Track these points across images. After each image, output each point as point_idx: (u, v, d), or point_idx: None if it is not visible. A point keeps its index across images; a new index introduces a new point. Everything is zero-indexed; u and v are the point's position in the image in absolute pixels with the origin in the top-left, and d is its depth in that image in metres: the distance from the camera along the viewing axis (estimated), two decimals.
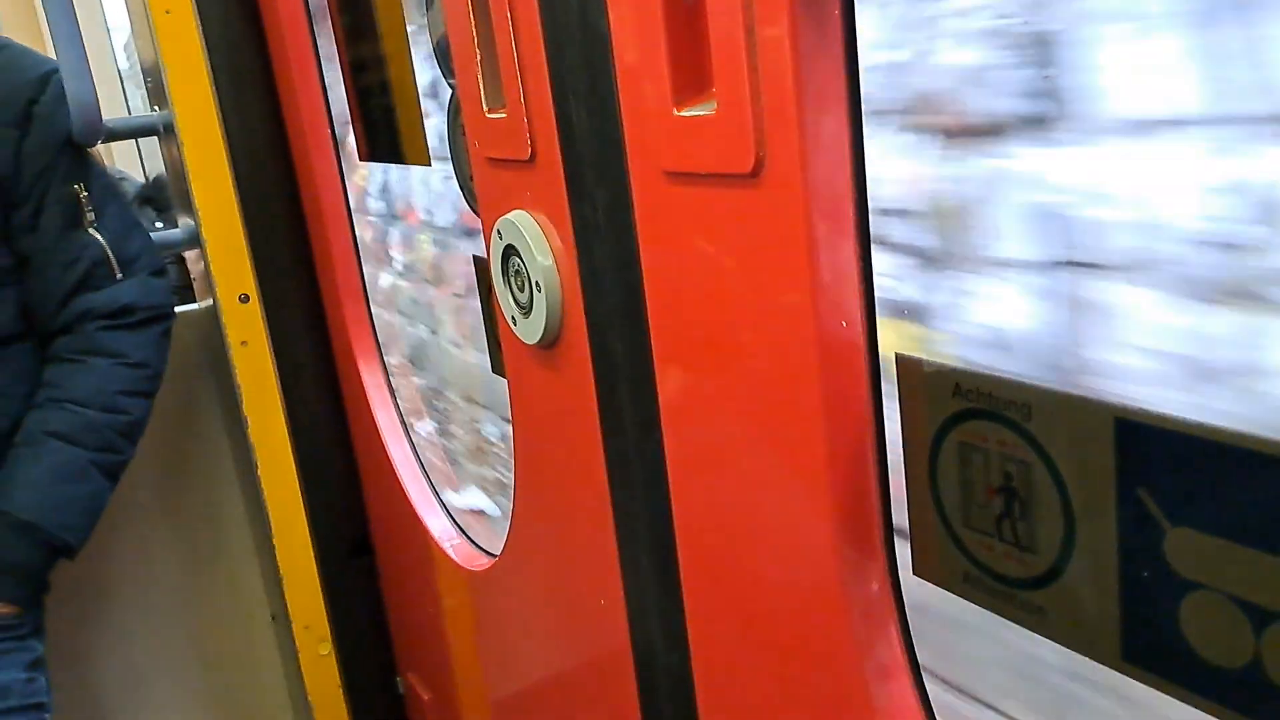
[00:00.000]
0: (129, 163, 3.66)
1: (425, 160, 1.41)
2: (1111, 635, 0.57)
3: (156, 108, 1.98)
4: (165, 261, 1.80)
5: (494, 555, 1.39)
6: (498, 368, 1.25)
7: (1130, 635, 0.56)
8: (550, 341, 1.03)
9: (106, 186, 1.70)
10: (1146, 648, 0.55)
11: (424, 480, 1.62)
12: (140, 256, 1.67)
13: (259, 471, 1.79)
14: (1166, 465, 0.52)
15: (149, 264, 1.69)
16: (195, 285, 2.21)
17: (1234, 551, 0.50)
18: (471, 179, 1.16)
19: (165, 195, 2.66)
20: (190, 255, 2.36)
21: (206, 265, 1.78)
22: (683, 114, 0.75)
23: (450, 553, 1.49)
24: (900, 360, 0.68)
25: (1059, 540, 0.59)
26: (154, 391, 1.66)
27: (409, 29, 1.38)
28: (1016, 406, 0.60)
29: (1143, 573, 0.54)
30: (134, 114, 2.81)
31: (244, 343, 1.77)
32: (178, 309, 1.78)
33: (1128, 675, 0.56)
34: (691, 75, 0.74)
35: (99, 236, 1.62)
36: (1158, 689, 0.55)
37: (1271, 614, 0.49)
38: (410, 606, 1.79)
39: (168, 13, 1.72)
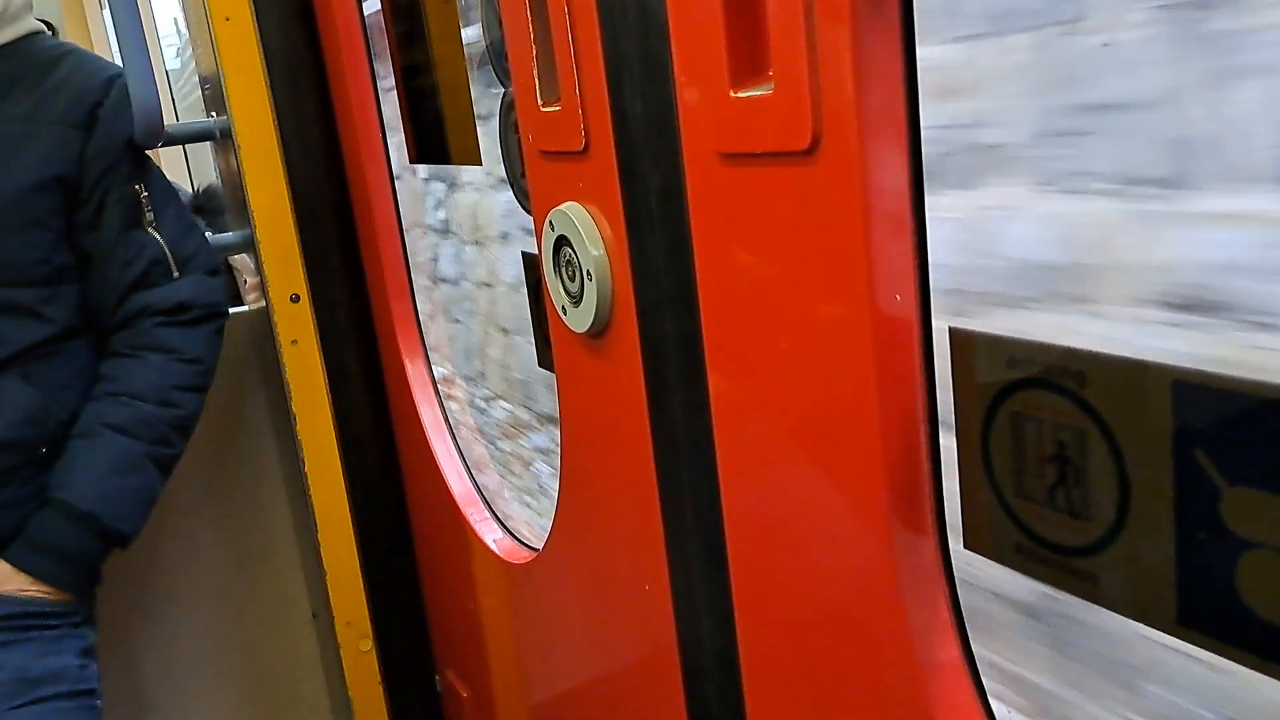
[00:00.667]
0: (177, 174, 3.76)
1: (477, 160, 1.44)
2: (1167, 599, 0.57)
3: (214, 114, 2.03)
4: (219, 262, 1.84)
5: (535, 549, 1.40)
6: (545, 361, 1.27)
7: (1186, 598, 0.56)
8: (600, 330, 1.05)
9: (165, 188, 1.75)
10: (1203, 610, 0.55)
11: (466, 476, 1.64)
12: (196, 256, 1.71)
13: (305, 468, 1.82)
14: (1223, 425, 0.53)
15: (205, 263, 1.73)
16: (242, 293, 2.27)
17: None
18: (523, 176, 1.19)
19: (215, 204, 2.72)
20: (237, 263, 2.42)
21: (259, 266, 1.82)
22: (740, 95, 0.77)
23: (493, 547, 1.51)
24: (954, 333, 0.69)
25: (1114, 506, 0.59)
26: (206, 387, 1.69)
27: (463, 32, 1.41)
28: (1071, 374, 0.60)
29: (1199, 534, 0.55)
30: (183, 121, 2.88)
31: (294, 341, 1.81)
32: (231, 310, 1.82)
33: (1183, 639, 0.56)
34: (749, 57, 0.76)
35: (157, 236, 1.67)
36: (1214, 651, 0.55)
37: None
38: (450, 604, 1.81)
39: (228, 20, 1.78)
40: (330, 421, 1.81)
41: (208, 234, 1.86)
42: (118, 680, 1.97)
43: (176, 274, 1.67)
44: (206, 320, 1.71)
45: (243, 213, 1.87)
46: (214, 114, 2.03)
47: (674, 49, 0.85)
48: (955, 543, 0.73)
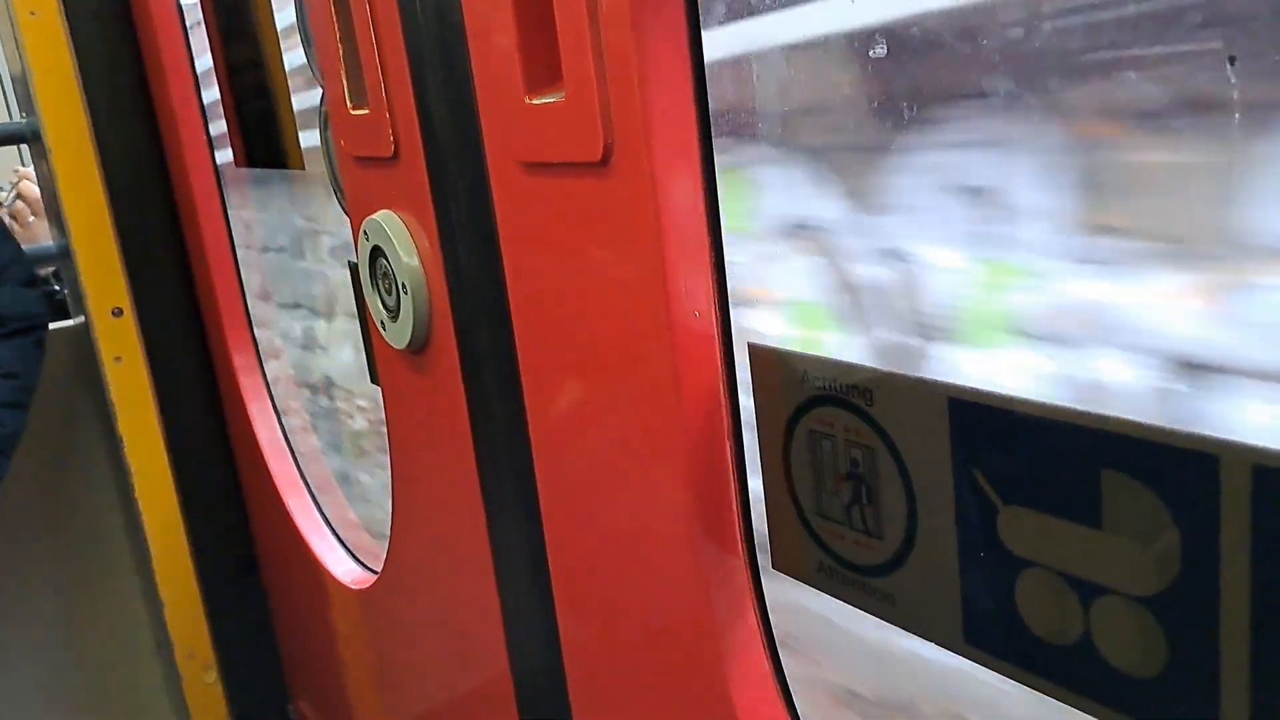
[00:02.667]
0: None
1: (300, 164, 1.37)
2: (953, 618, 0.56)
3: (25, 115, 1.89)
4: (37, 272, 1.72)
5: (376, 572, 1.34)
6: (375, 376, 1.21)
7: (971, 617, 0.55)
8: (419, 345, 1.00)
9: None
10: (986, 629, 0.55)
11: (307, 496, 1.56)
12: (10, 267, 1.59)
13: (135, 493, 1.71)
14: (996, 444, 0.52)
15: (19, 274, 1.61)
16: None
17: (1059, 527, 0.49)
18: None
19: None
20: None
21: (77, 278, 1.70)
22: (534, 102, 0.73)
23: (334, 570, 1.44)
24: (753, 349, 0.67)
25: (903, 525, 0.58)
26: (28, 404, 1.58)
27: (280, 29, 1.34)
28: (859, 391, 0.59)
29: (979, 553, 0.54)
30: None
31: (118, 358, 1.70)
32: (52, 325, 1.70)
33: (970, 659, 0.56)
34: (542, 62, 0.72)
35: None
36: (998, 671, 0.55)
37: (1098, 588, 0.49)
38: (299, 630, 1.73)
39: (33, 14, 1.65)
40: (161, 442, 1.70)
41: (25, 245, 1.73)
42: None
43: None
44: (24, 333, 1.59)
45: (59, 221, 1.74)
46: (25, 115, 1.89)
47: (471, 53, 0.80)
48: (765, 562, 0.72)
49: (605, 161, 0.68)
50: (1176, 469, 0.44)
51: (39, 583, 1.94)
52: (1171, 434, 0.44)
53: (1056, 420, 0.49)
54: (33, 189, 2.12)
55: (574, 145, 0.70)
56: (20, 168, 2.32)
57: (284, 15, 1.34)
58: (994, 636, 0.54)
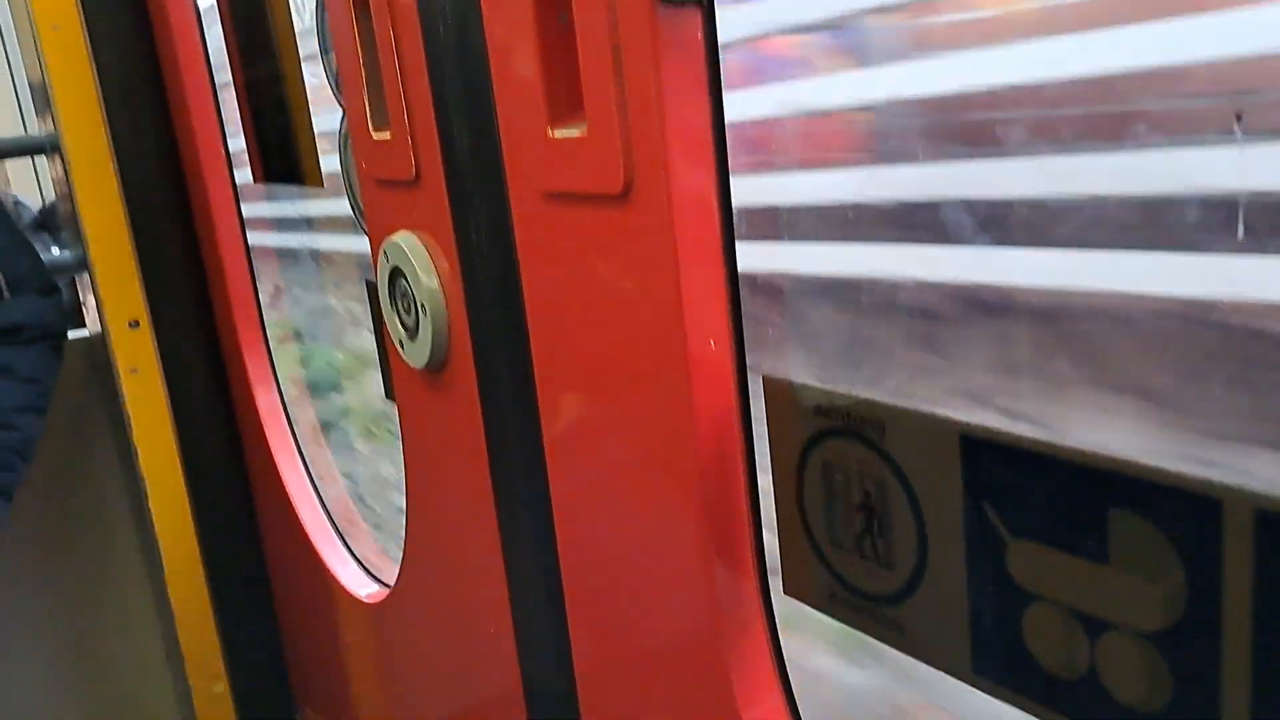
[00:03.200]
0: (29, 188, 3.54)
1: (318, 182, 1.39)
2: (962, 649, 0.58)
3: (43, 124, 1.91)
4: (55, 281, 1.74)
5: (389, 586, 1.36)
6: (390, 392, 1.23)
7: (979, 648, 0.57)
8: (437, 365, 1.02)
9: None
10: (993, 660, 0.56)
11: (320, 510, 1.58)
12: (29, 276, 1.62)
13: (149, 504, 1.73)
14: (1006, 480, 0.53)
15: (37, 283, 1.63)
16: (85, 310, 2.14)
17: (1066, 563, 0.51)
18: None
19: (59, 220, 2.57)
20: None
21: (95, 289, 1.72)
22: (557, 134, 0.75)
23: (347, 584, 1.45)
24: (767, 381, 0.68)
25: (913, 556, 0.60)
26: (45, 409, 1.60)
27: (301, 48, 1.36)
28: (872, 425, 0.60)
29: (988, 586, 0.55)
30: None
31: (134, 370, 1.72)
32: (70, 335, 1.72)
33: (978, 688, 0.57)
34: (564, 96, 0.74)
35: None
36: (1007, 701, 0.56)
37: (1103, 623, 0.50)
38: (308, 641, 1.74)
39: (55, 28, 1.67)
40: (175, 454, 1.72)
41: (44, 255, 1.75)
42: None
43: (7, 295, 1.58)
44: (41, 340, 1.62)
45: (76, 231, 1.76)
46: (43, 126, 1.92)
47: (494, 81, 0.82)
48: (777, 585, 0.73)
49: (625, 194, 0.70)
50: (1182, 510, 0.45)
51: (51, 591, 1.96)
52: (1177, 477, 0.46)
53: (1066, 460, 0.50)
54: None
55: (594, 178, 0.72)
56: None
57: (306, 40, 1.36)
58: (1001, 668, 0.56)
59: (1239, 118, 0.67)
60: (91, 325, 1.96)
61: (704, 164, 0.67)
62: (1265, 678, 0.43)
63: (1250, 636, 0.43)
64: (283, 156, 1.51)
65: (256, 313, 1.67)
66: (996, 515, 0.54)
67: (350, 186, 1.28)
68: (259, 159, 1.56)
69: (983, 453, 0.54)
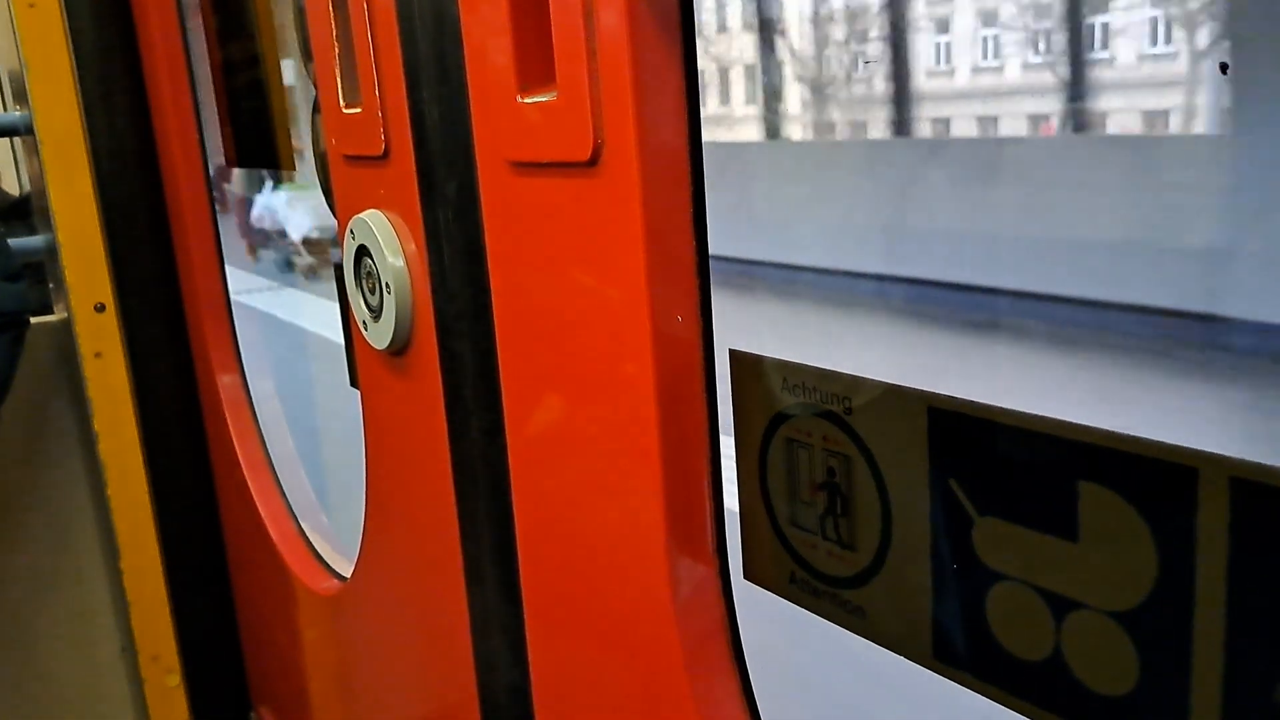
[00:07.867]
0: (9, 181, 3.49)
1: (291, 165, 1.36)
2: (923, 633, 0.55)
3: (18, 107, 1.88)
4: (20, 266, 1.70)
5: (345, 579, 1.32)
6: (354, 379, 1.20)
7: (941, 632, 0.54)
8: (400, 347, 0.99)
9: None
10: (955, 644, 0.54)
11: (280, 500, 1.54)
12: None
13: (108, 490, 1.69)
14: (974, 454, 0.51)
15: (3, 267, 1.59)
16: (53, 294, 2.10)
17: (1034, 540, 0.49)
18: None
19: (33, 206, 2.53)
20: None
21: (61, 272, 1.68)
22: (526, 101, 0.73)
23: (304, 576, 1.42)
24: (734, 356, 0.66)
25: (877, 536, 0.58)
26: (2, 399, 1.55)
27: (279, 29, 1.34)
28: (838, 399, 0.58)
29: (953, 566, 0.53)
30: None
31: (98, 354, 1.68)
32: (34, 319, 1.68)
33: (939, 674, 0.55)
34: (535, 62, 0.72)
35: None
36: (967, 686, 0.54)
37: (1071, 602, 0.48)
38: (264, 635, 1.70)
39: (31, 6, 1.64)
40: (137, 440, 1.68)
41: (13, 239, 1.71)
42: None
43: None
44: (3, 329, 1.57)
45: (46, 214, 1.72)
46: (18, 107, 1.88)
47: (466, 51, 0.80)
48: (737, 574, 0.71)
49: (594, 161, 0.68)
50: (1155, 481, 0.44)
51: (4, 582, 1.91)
52: (1151, 446, 0.44)
53: (1036, 431, 0.48)
54: None
55: (564, 144, 0.70)
56: None
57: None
58: (964, 651, 0.54)
59: None
60: (59, 310, 1.92)
61: (676, 131, 0.66)
62: (1237, 655, 0.41)
63: (1224, 611, 0.41)
64: (257, 139, 1.49)
65: (224, 299, 1.64)
66: (963, 491, 0.52)
67: (319, 164, 1.25)
68: (232, 142, 1.54)
69: (951, 425, 0.52)
